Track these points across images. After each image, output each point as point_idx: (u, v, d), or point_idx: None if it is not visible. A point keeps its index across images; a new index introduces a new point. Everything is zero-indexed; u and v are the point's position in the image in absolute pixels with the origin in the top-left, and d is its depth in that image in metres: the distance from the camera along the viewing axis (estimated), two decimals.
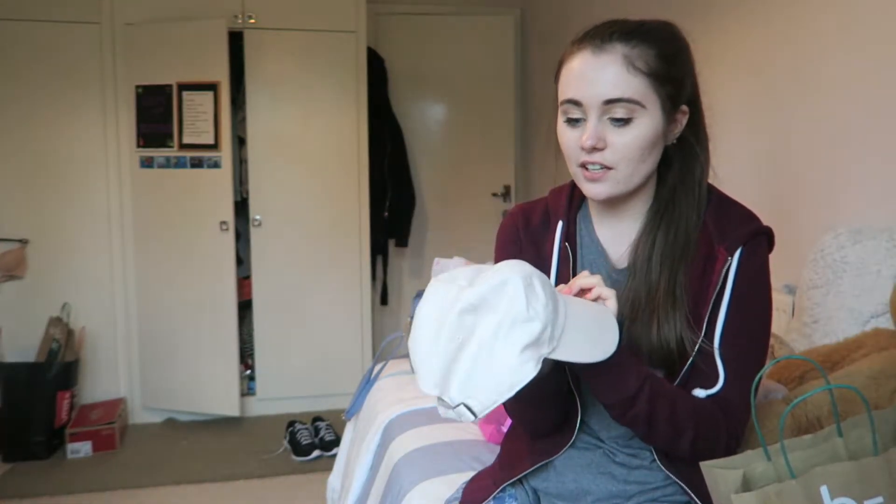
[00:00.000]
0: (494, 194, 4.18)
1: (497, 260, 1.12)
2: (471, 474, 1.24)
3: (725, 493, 0.69)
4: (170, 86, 3.20)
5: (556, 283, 1.03)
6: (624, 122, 0.92)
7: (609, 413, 0.94)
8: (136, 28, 3.23)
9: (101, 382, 3.37)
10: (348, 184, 3.51)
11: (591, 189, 0.97)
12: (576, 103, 0.94)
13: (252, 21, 3.33)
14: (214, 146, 3.20)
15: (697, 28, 2.49)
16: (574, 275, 1.04)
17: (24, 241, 3.23)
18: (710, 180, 1.04)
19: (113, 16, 3.25)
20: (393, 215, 3.89)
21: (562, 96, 0.96)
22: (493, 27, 4.13)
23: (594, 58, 0.92)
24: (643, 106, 0.92)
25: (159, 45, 3.21)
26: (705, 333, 0.95)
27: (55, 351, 3.08)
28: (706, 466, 0.72)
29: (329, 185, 3.49)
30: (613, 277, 1.03)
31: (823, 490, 0.65)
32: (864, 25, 1.78)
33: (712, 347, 0.95)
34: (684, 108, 0.98)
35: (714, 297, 0.95)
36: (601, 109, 0.92)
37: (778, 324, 1.95)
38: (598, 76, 0.92)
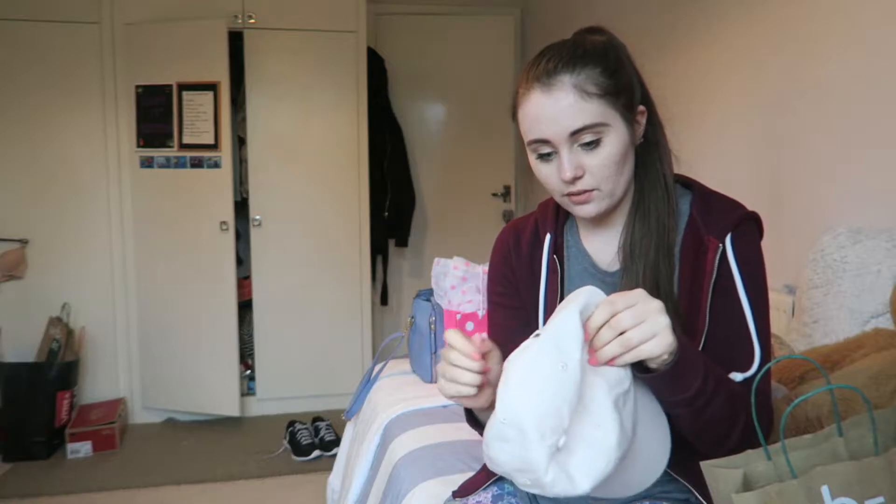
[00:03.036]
0: (494, 194, 4.18)
1: (490, 276, 1.17)
2: (471, 475, 1.25)
3: (726, 492, 0.69)
4: (170, 86, 3.20)
5: (546, 296, 1.07)
6: (593, 144, 0.94)
7: (665, 408, 0.92)
8: (136, 28, 3.23)
9: (101, 382, 3.37)
10: (348, 184, 3.51)
11: (581, 211, 0.99)
12: (544, 142, 0.96)
13: (252, 21, 3.33)
14: (214, 146, 3.20)
15: (697, 27, 2.50)
16: (562, 286, 1.07)
17: (24, 241, 3.23)
18: (677, 168, 1.06)
19: (113, 16, 3.25)
20: (393, 215, 3.89)
21: (527, 137, 0.98)
22: (493, 27, 4.13)
23: (546, 96, 0.94)
24: (607, 124, 0.94)
25: (159, 45, 3.21)
26: (716, 321, 0.95)
27: (55, 351, 3.08)
28: (706, 466, 0.72)
29: (329, 186, 3.49)
30: (608, 281, 1.05)
31: (824, 490, 0.65)
32: (864, 25, 1.78)
33: (726, 334, 0.95)
34: (641, 108, 1.00)
35: (712, 286, 0.96)
36: (569, 141, 0.94)
37: (778, 324, 1.96)
38: (555, 112, 0.94)
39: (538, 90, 0.95)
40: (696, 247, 0.99)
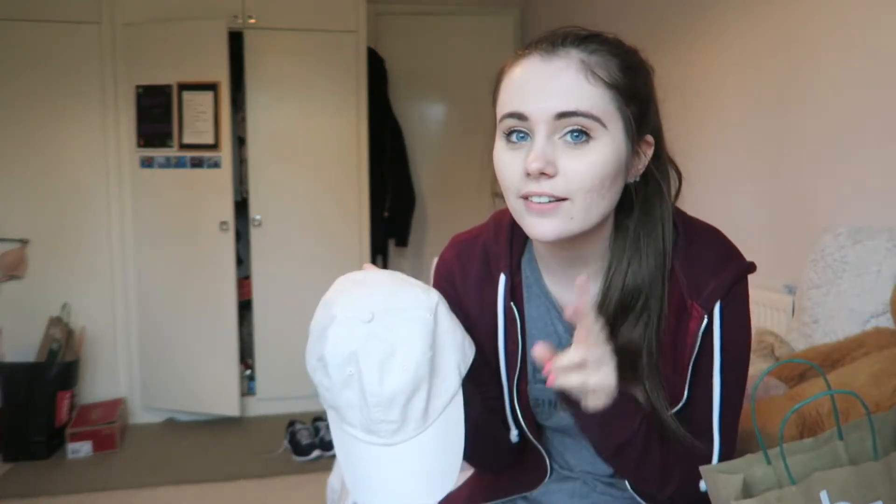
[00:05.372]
0: (495, 194, 4.18)
1: None
2: (470, 473, 1.24)
3: (726, 498, 0.68)
4: (170, 86, 3.20)
5: (506, 347, 0.91)
6: (580, 142, 0.75)
7: (598, 453, 0.88)
8: (136, 28, 3.23)
9: (101, 382, 3.37)
10: (348, 184, 3.51)
11: (536, 226, 0.77)
12: (520, 117, 0.76)
13: (252, 21, 3.33)
14: (214, 146, 3.20)
15: (697, 27, 2.50)
16: (523, 336, 0.90)
17: (24, 241, 3.23)
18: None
19: (113, 16, 3.25)
20: (393, 215, 3.89)
21: (502, 111, 0.78)
22: (493, 27, 4.13)
23: (544, 63, 0.76)
24: (603, 125, 0.75)
25: (159, 45, 3.21)
26: (686, 398, 0.85)
27: (55, 351, 3.08)
28: (706, 471, 0.72)
29: (329, 186, 3.49)
30: (573, 334, 0.86)
31: (823, 495, 0.65)
32: (864, 25, 1.78)
33: (695, 413, 0.85)
34: (649, 138, 0.82)
35: (692, 362, 0.83)
36: (551, 125, 0.75)
37: (778, 324, 1.96)
38: (548, 84, 0.75)
39: (536, 56, 0.77)
40: (679, 310, 0.83)
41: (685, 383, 0.84)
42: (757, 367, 1.58)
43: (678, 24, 2.61)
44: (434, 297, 0.82)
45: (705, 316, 0.81)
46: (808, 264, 1.74)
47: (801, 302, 1.76)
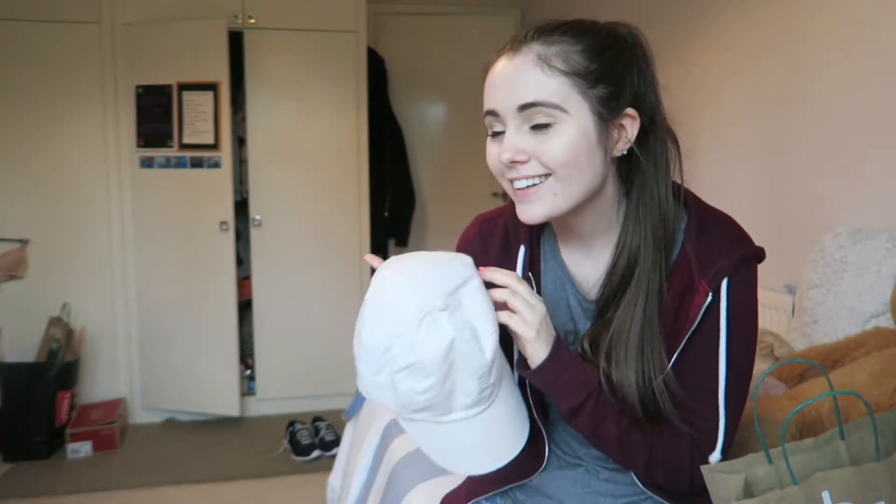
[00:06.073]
0: (495, 194, 4.18)
1: None
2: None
3: (727, 498, 0.68)
4: (170, 86, 3.20)
5: None
6: (544, 128, 0.82)
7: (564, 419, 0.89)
8: (136, 28, 3.23)
9: (101, 382, 3.37)
10: (348, 184, 3.51)
11: (524, 212, 0.85)
12: (493, 114, 0.85)
13: (252, 21, 3.33)
14: (214, 146, 3.20)
15: (697, 27, 2.50)
16: None
17: (24, 241, 3.23)
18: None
19: (113, 16, 3.25)
20: (393, 215, 3.89)
21: (483, 109, 0.87)
22: (493, 27, 4.13)
23: (508, 62, 0.83)
24: (564, 110, 0.81)
25: (159, 45, 3.21)
26: (683, 378, 0.86)
27: (55, 351, 3.07)
28: (706, 470, 0.72)
29: (329, 186, 3.49)
30: (585, 307, 0.94)
31: (825, 495, 0.66)
32: (864, 25, 1.78)
33: (689, 397, 0.85)
34: (630, 111, 0.84)
35: (688, 336, 0.85)
36: (518, 117, 0.83)
37: (778, 324, 1.96)
38: (511, 81, 0.82)
39: (505, 55, 0.85)
40: (684, 285, 0.86)
41: (674, 355, 0.86)
42: (757, 367, 1.58)
43: (678, 24, 2.61)
44: (465, 257, 0.86)
45: (710, 293, 0.84)
46: (808, 264, 1.74)
47: (801, 302, 1.76)
